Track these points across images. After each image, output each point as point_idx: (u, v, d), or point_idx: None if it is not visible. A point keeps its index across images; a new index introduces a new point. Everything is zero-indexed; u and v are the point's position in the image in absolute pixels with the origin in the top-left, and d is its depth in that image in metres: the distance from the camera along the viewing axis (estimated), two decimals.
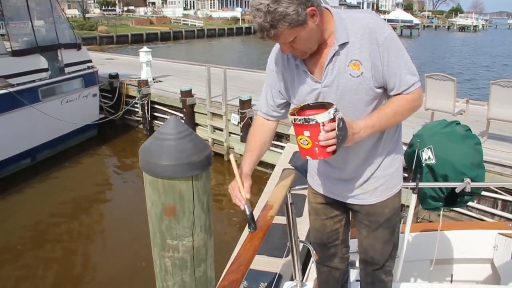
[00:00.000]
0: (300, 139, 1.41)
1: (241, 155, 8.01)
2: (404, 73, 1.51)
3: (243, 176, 1.67)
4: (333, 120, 1.35)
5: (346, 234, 2.01)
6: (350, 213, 1.92)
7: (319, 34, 1.48)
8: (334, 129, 1.35)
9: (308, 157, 1.43)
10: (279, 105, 1.79)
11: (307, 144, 1.39)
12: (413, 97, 1.55)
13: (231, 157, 1.65)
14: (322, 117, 1.33)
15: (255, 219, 1.54)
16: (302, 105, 1.48)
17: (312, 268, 2.54)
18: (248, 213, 1.53)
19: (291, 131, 7.27)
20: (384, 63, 1.48)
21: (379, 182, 1.73)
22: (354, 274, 2.40)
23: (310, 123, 1.35)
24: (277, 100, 1.77)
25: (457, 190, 1.92)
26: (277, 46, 1.65)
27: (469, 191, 1.91)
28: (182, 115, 9.28)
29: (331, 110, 1.34)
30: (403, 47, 1.52)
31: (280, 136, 7.85)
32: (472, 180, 1.91)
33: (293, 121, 1.40)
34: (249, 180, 1.67)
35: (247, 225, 1.52)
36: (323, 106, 1.42)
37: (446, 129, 2.13)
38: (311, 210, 2.00)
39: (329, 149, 1.37)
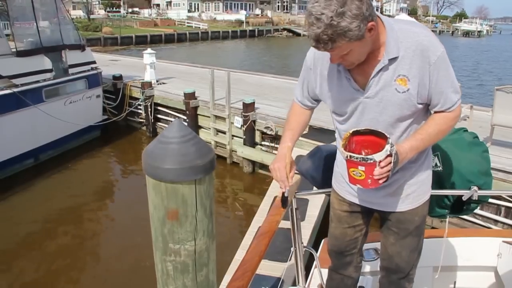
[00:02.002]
0: (353, 171, 1.41)
1: (244, 158, 8.05)
2: (450, 91, 1.50)
3: (291, 162, 1.71)
4: (389, 156, 1.35)
5: (363, 243, 2.00)
6: (382, 221, 1.89)
7: (372, 46, 1.45)
8: (390, 163, 1.36)
9: (358, 185, 1.44)
10: (314, 98, 1.78)
11: (360, 176, 1.40)
12: (455, 114, 1.55)
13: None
14: (380, 156, 1.35)
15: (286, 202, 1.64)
16: (351, 131, 1.47)
17: (314, 273, 2.52)
18: (286, 195, 1.65)
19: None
20: (433, 81, 1.47)
21: (411, 189, 1.71)
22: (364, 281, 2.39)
23: (368, 162, 1.36)
24: (312, 94, 1.76)
25: (464, 198, 1.90)
26: None
27: (476, 199, 1.89)
28: (185, 117, 9.29)
29: (388, 147, 1.34)
30: (450, 65, 1.50)
31: None
32: (479, 188, 1.89)
33: (347, 158, 1.39)
34: (294, 165, 1.73)
35: (252, 231, 1.51)
36: (372, 133, 1.41)
37: (453, 136, 2.11)
38: (334, 217, 1.97)
39: (381, 181, 1.39)
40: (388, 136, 1.37)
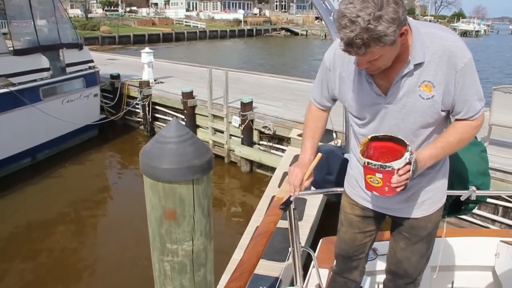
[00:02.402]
0: (370, 178, 1.39)
1: (242, 157, 8.04)
2: (474, 99, 1.45)
3: (309, 161, 1.71)
4: (408, 163, 1.33)
5: (371, 247, 1.98)
6: (394, 226, 1.86)
7: (399, 51, 1.38)
8: (409, 171, 1.33)
9: (374, 192, 1.42)
10: (332, 98, 1.73)
11: (377, 183, 1.38)
12: (477, 123, 1.50)
13: (319, 155, 1.72)
14: (399, 163, 1.32)
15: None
16: (370, 137, 1.43)
17: (312, 273, 2.51)
18: (291, 199, 1.69)
19: (292, 134, 7.24)
20: (458, 88, 1.42)
21: (427, 196, 1.68)
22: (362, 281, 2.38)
23: (386, 169, 1.33)
24: (331, 94, 1.70)
25: (462, 198, 1.89)
26: (336, 45, 1.54)
27: (475, 199, 1.89)
28: (183, 116, 9.28)
29: (407, 155, 1.32)
30: (476, 72, 1.45)
31: (281, 139, 7.83)
32: (478, 188, 1.89)
33: (365, 164, 1.37)
34: (309, 172, 1.71)
35: (249, 235, 1.51)
36: (391, 139, 1.38)
37: None
38: (345, 221, 1.93)
39: (399, 189, 1.37)
40: (407, 143, 1.34)
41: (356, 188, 1.82)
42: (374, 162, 1.35)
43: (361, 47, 1.24)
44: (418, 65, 1.40)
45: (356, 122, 1.64)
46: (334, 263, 2.14)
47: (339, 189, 2.05)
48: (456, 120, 1.51)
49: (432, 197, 1.68)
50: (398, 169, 1.32)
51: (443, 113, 1.48)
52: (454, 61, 1.38)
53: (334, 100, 1.74)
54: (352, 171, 1.82)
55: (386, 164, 1.32)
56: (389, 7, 1.21)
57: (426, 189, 1.66)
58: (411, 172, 1.34)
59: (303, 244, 2.09)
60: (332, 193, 2.13)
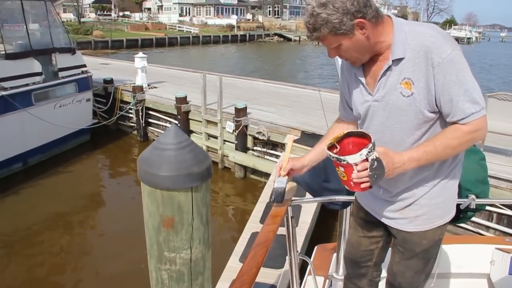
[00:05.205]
0: (338, 171, 1.40)
1: (235, 163, 8.02)
2: (462, 101, 1.35)
3: (296, 158, 1.74)
4: (365, 160, 1.31)
5: (381, 258, 1.93)
6: (393, 237, 1.80)
7: (371, 46, 1.42)
8: (367, 169, 1.31)
9: (346, 187, 1.42)
10: (349, 105, 1.72)
11: (344, 177, 1.38)
12: (470, 128, 1.38)
13: (289, 137, 1.72)
14: (353, 158, 1.31)
15: (280, 197, 1.68)
16: (345, 132, 1.44)
17: (308, 280, 2.50)
18: (275, 186, 1.70)
19: (286, 140, 7.24)
20: (438, 86, 1.36)
21: (422, 211, 1.61)
22: None
23: (342, 162, 1.33)
24: (348, 101, 1.71)
25: (461, 207, 1.87)
26: None
27: (474, 207, 1.87)
28: (176, 122, 9.24)
29: (364, 151, 1.30)
30: (468, 71, 1.37)
31: (275, 145, 7.82)
32: (477, 197, 1.87)
33: (329, 156, 1.39)
34: (300, 162, 1.73)
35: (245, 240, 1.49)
36: (365, 136, 1.37)
37: None
38: (352, 223, 1.95)
39: (363, 186, 1.36)
40: (372, 140, 1.32)
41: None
42: (332, 155, 1.36)
43: (313, 32, 1.40)
44: (397, 61, 1.41)
45: (359, 122, 1.67)
46: (341, 268, 2.12)
47: (337, 198, 2.04)
48: (451, 124, 1.44)
49: (428, 213, 1.61)
50: (356, 164, 1.31)
51: (431, 115, 1.43)
52: (431, 56, 1.35)
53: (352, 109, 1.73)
54: None
55: (341, 157, 1.33)
56: None
57: (421, 203, 1.60)
58: (370, 169, 1.31)
59: (299, 251, 2.07)
60: (329, 202, 2.11)
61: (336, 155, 1.35)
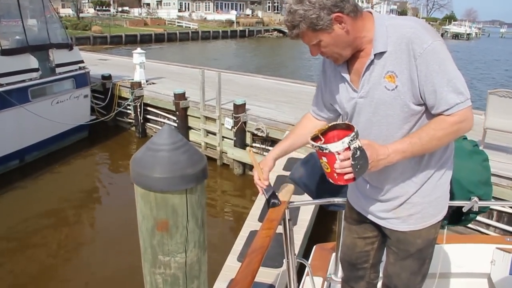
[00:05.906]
0: (321, 163, 1.38)
1: (234, 160, 7.98)
2: (446, 91, 1.34)
3: (262, 162, 1.73)
4: (348, 149, 1.29)
5: (377, 259, 1.91)
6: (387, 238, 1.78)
7: (351, 41, 1.42)
8: (349, 159, 1.28)
9: (330, 180, 1.40)
10: (328, 107, 1.72)
11: (327, 169, 1.37)
12: (455, 119, 1.37)
13: (248, 150, 1.68)
14: (335, 146, 1.30)
15: (275, 198, 1.68)
16: (330, 125, 1.43)
17: (306, 281, 2.47)
18: (266, 197, 1.68)
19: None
20: (421, 77, 1.35)
21: (415, 209, 1.59)
22: None
23: (324, 151, 1.32)
24: (325, 99, 1.71)
25: (464, 210, 1.83)
26: None
27: (477, 210, 1.83)
28: (175, 118, 9.20)
29: (346, 140, 1.29)
30: (451, 61, 1.36)
31: (274, 142, 7.78)
32: (479, 198, 1.82)
33: (311, 146, 1.37)
34: (269, 164, 1.73)
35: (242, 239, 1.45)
36: (349, 128, 1.36)
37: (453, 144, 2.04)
38: (345, 224, 1.93)
39: (346, 177, 1.34)
40: (355, 129, 1.31)
41: (354, 191, 1.80)
42: (314, 144, 1.35)
43: (292, 29, 1.41)
44: (380, 55, 1.40)
45: (345, 120, 1.65)
46: (339, 269, 2.09)
47: (336, 200, 2.00)
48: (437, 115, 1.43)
49: (421, 211, 1.59)
50: (338, 153, 1.30)
51: (417, 107, 1.42)
52: (412, 47, 1.34)
53: (329, 109, 1.72)
54: None
55: (323, 146, 1.32)
56: None
57: (414, 202, 1.58)
58: (352, 159, 1.29)
59: (297, 250, 2.04)
60: (328, 204, 2.07)
61: (318, 144, 1.34)
